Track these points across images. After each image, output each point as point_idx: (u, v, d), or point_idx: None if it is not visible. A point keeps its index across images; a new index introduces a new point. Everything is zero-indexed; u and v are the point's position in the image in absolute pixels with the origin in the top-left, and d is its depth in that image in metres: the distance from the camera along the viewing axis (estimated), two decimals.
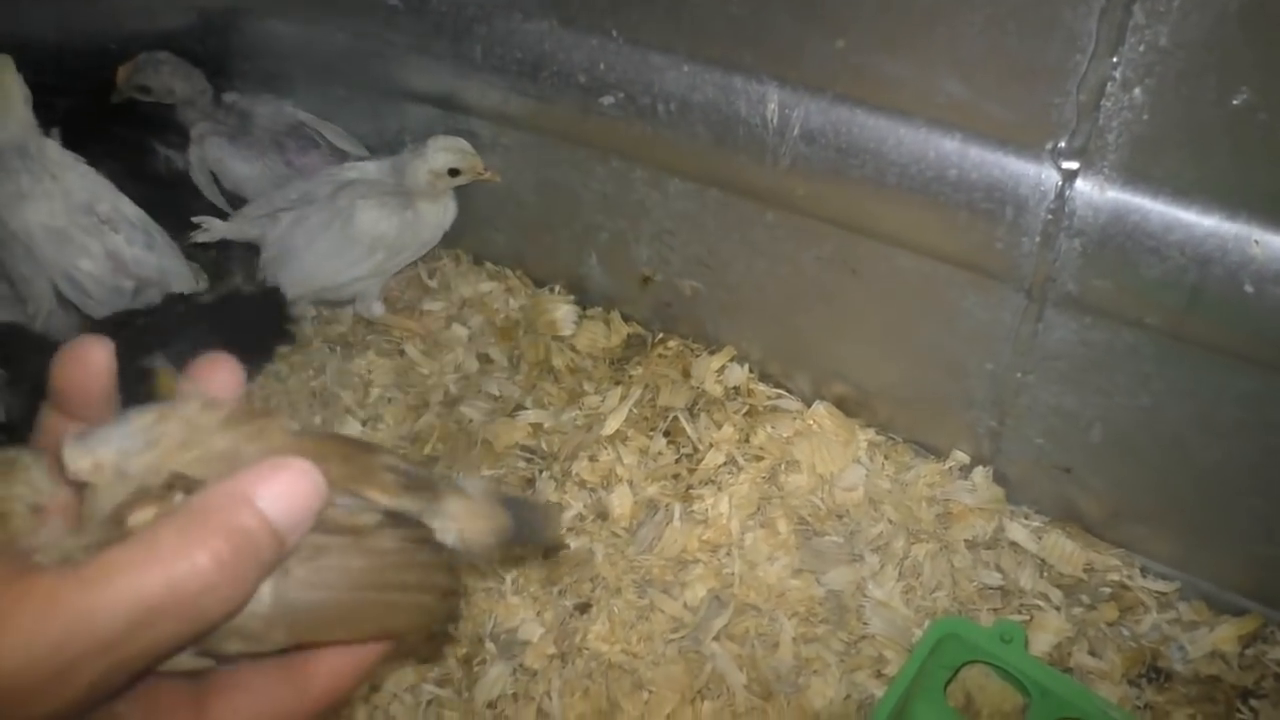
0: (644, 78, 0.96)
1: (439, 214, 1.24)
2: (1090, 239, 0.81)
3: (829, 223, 0.97)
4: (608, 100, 1.00)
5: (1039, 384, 0.96)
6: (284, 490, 0.42)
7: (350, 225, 1.20)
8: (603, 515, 1.08)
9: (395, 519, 0.47)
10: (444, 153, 1.17)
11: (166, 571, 0.40)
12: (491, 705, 0.96)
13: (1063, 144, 0.79)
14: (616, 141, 1.05)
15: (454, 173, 1.18)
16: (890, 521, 1.05)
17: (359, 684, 0.58)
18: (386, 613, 0.47)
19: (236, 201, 1.32)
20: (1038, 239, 0.83)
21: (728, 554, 1.04)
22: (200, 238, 1.22)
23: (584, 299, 1.28)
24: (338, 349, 1.29)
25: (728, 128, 0.94)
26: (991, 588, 1.00)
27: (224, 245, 1.27)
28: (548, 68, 1.02)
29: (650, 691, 0.95)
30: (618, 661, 0.97)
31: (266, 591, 0.44)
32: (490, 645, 1.00)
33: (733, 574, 1.02)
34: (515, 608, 1.02)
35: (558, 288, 1.30)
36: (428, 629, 0.73)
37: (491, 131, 1.17)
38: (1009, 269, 0.87)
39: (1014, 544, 1.04)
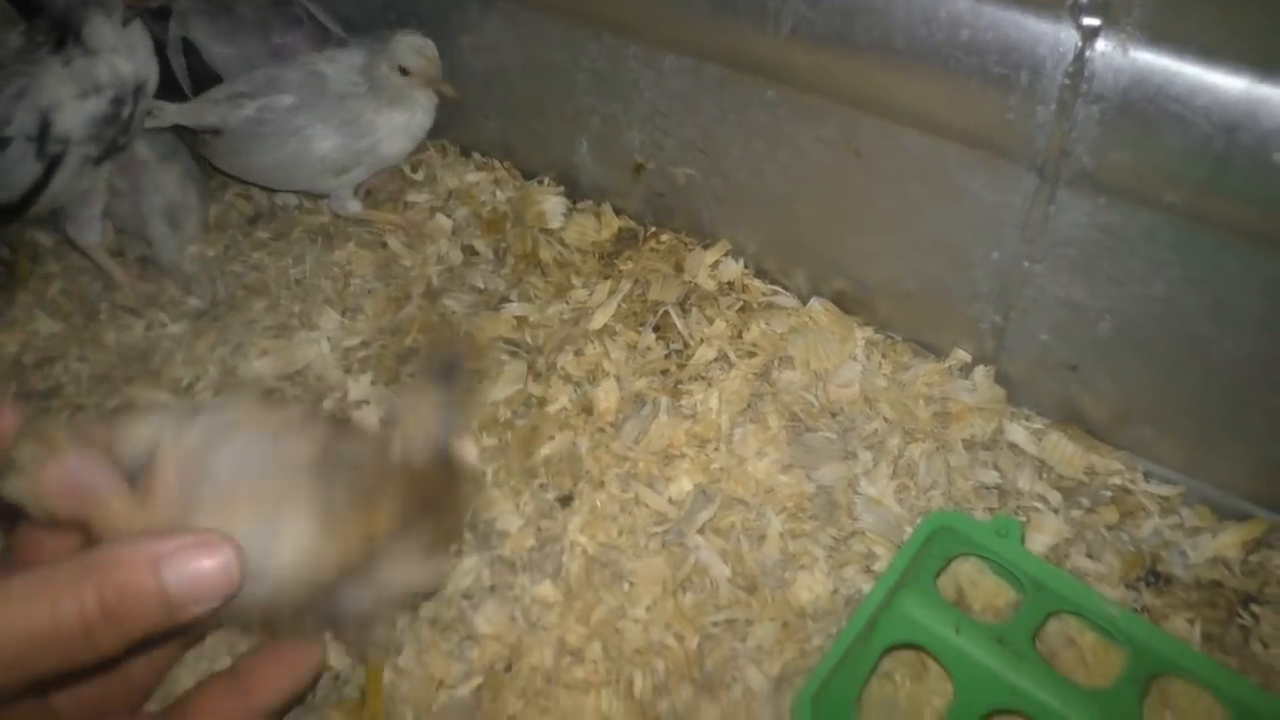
0: None
1: (404, 123, 1.18)
2: (1110, 105, 0.75)
3: (832, 98, 0.92)
4: None
5: (1047, 273, 0.91)
6: (193, 569, 0.45)
7: (305, 149, 1.14)
8: (587, 410, 1.04)
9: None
10: (402, 48, 1.12)
11: (54, 604, 0.42)
12: (467, 596, 0.93)
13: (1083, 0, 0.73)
14: (609, 13, 0.99)
15: (404, 72, 1.13)
16: (886, 419, 1.01)
17: (298, 692, 0.66)
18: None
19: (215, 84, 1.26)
20: (1053, 107, 0.78)
21: (715, 449, 1.00)
22: (151, 124, 1.14)
23: (574, 191, 1.23)
24: (318, 239, 1.24)
25: None
26: (988, 487, 0.96)
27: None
28: None
29: (630, 583, 0.91)
30: (596, 554, 0.94)
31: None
32: (467, 536, 0.96)
33: (720, 469, 0.98)
34: (495, 499, 0.98)
35: (547, 180, 1.25)
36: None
37: (480, 7, 1.11)
38: (1022, 143, 0.82)
39: (1013, 445, 1.00)
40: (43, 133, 1.04)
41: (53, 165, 1.06)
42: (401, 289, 1.17)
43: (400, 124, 1.18)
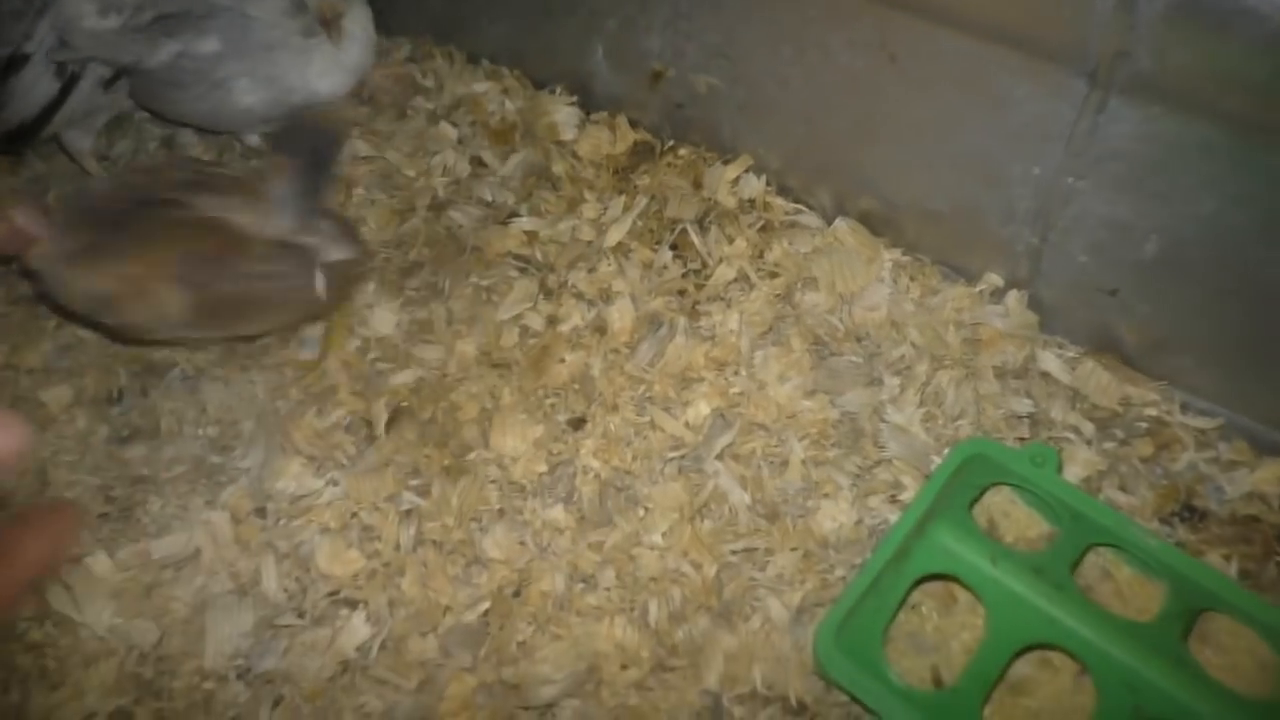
0: None
1: (332, 61, 1.08)
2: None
3: None
4: None
5: (1091, 190, 0.86)
6: None
7: (227, 101, 1.06)
8: (600, 329, 1.00)
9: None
10: None
11: None
12: (475, 519, 0.89)
13: None
14: None
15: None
16: (913, 345, 0.96)
17: (62, 558, 0.69)
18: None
19: None
20: (1113, 3, 0.72)
21: (735, 372, 0.96)
22: (59, 56, 1.01)
23: (588, 102, 1.17)
24: None
25: None
26: (1019, 416, 0.92)
27: None
28: None
29: (646, 509, 0.88)
30: (610, 479, 0.90)
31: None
32: (473, 457, 0.92)
33: (740, 393, 0.94)
34: (504, 421, 0.94)
35: (559, 89, 1.18)
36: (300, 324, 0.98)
37: None
38: (1074, 44, 0.76)
39: (1045, 374, 0.95)
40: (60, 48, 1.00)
41: (70, 82, 1.02)
42: (406, 200, 1.11)
43: (328, 63, 1.07)
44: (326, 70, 1.07)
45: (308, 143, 0.95)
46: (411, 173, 1.14)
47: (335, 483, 0.91)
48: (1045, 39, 0.79)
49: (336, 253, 0.92)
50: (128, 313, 0.89)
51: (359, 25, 1.08)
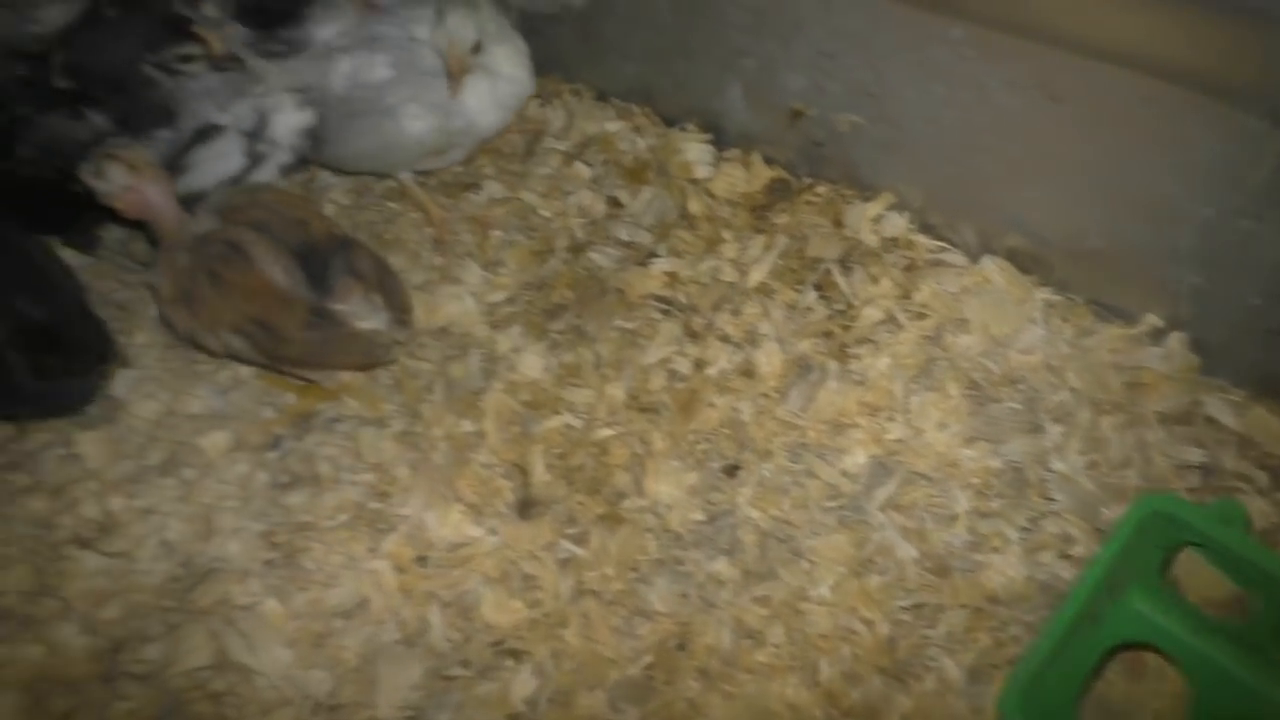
0: None
1: (490, 98, 1.07)
2: None
3: (1030, 37, 0.84)
4: None
5: (1269, 231, 0.83)
6: None
7: (398, 131, 1.06)
8: (748, 373, 0.99)
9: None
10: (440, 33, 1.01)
11: None
12: (634, 569, 0.89)
13: None
14: None
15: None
16: (1073, 389, 0.94)
17: None
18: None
19: None
20: None
21: (890, 418, 0.94)
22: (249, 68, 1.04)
23: (720, 139, 1.16)
24: (451, 189, 1.19)
25: None
26: (1190, 466, 0.89)
27: None
28: None
29: (810, 561, 0.87)
30: (770, 529, 0.90)
31: None
32: (628, 505, 0.92)
33: (897, 440, 0.93)
34: (657, 468, 0.93)
35: (690, 126, 1.17)
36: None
37: None
38: (1257, 85, 0.74)
39: (1211, 419, 0.92)
40: (256, 132, 1.03)
41: (253, 164, 1.05)
42: (544, 242, 1.12)
43: (481, 97, 1.06)
44: (483, 106, 1.07)
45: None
46: (548, 213, 1.14)
47: (494, 531, 0.92)
48: (1227, 80, 0.77)
49: (370, 322, 0.93)
50: (212, 349, 0.95)
51: (512, 64, 1.08)
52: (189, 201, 0.95)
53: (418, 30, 1.06)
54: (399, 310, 0.95)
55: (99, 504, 0.96)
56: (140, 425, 1.01)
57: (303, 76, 1.04)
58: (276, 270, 0.90)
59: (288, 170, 1.08)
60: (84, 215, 1.06)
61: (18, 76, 0.99)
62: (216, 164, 1.03)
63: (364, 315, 0.92)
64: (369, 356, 0.97)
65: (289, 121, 1.03)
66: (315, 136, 1.06)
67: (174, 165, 1.00)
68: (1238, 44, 0.74)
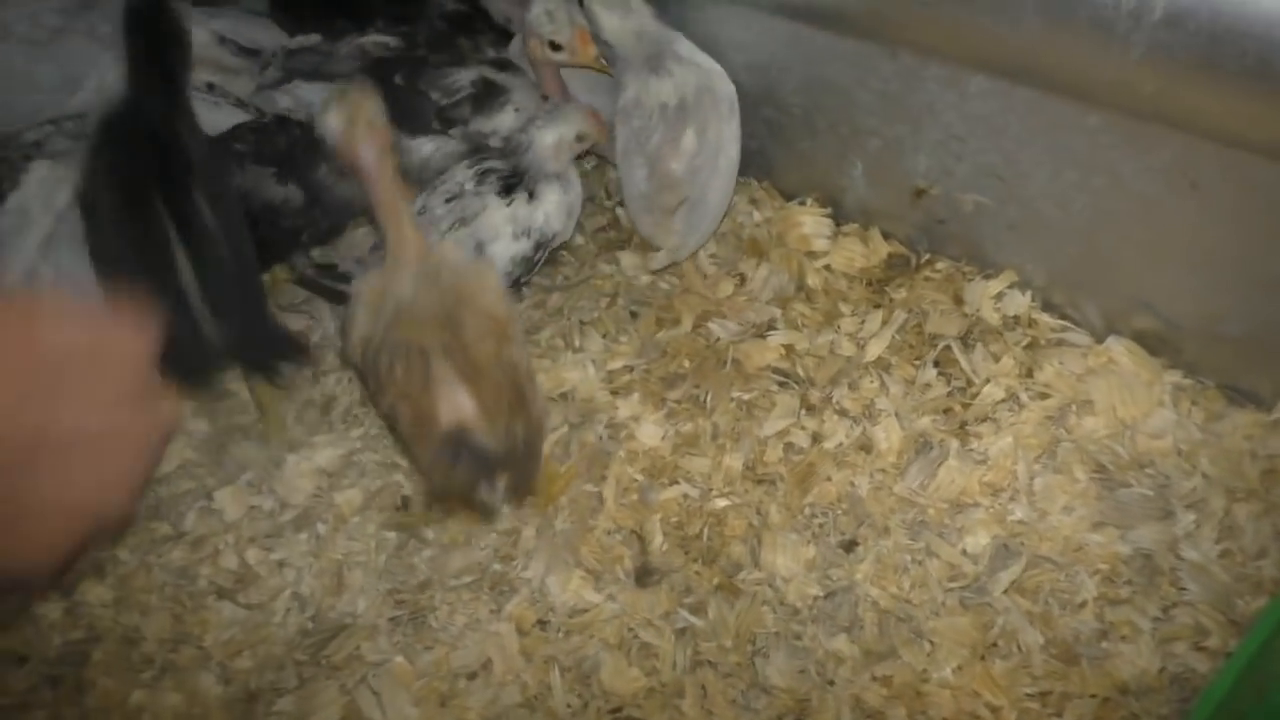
0: None
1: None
2: None
3: (1172, 126, 0.84)
4: None
5: None
6: None
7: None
8: (866, 448, 0.99)
9: None
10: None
11: None
12: (751, 640, 0.90)
13: None
14: (916, 33, 0.93)
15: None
16: (1205, 475, 0.92)
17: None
18: None
19: None
20: None
21: (1013, 499, 0.94)
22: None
23: (839, 213, 1.17)
24: (574, 260, 1.22)
25: (1066, 11, 0.81)
26: None
27: None
28: None
29: (932, 642, 0.86)
30: (890, 608, 0.89)
31: None
32: (744, 576, 0.93)
33: (1021, 522, 0.92)
34: (774, 540, 0.94)
35: (809, 200, 1.19)
36: None
37: (760, 26, 1.07)
38: None
39: None
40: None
41: None
42: (664, 311, 1.14)
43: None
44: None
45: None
46: (667, 286, 1.16)
47: (613, 598, 0.93)
48: None
49: (485, 495, 0.87)
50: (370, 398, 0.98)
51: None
52: None
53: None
54: (519, 490, 0.89)
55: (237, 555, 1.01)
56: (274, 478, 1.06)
57: (526, 222, 1.07)
58: (444, 407, 0.82)
59: None
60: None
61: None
62: None
63: (484, 493, 0.86)
64: (471, 504, 0.92)
65: (505, 251, 1.06)
66: (530, 265, 1.09)
67: None
68: None
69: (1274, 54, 0.73)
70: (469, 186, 1.07)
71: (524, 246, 1.07)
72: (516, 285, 1.12)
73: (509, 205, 1.06)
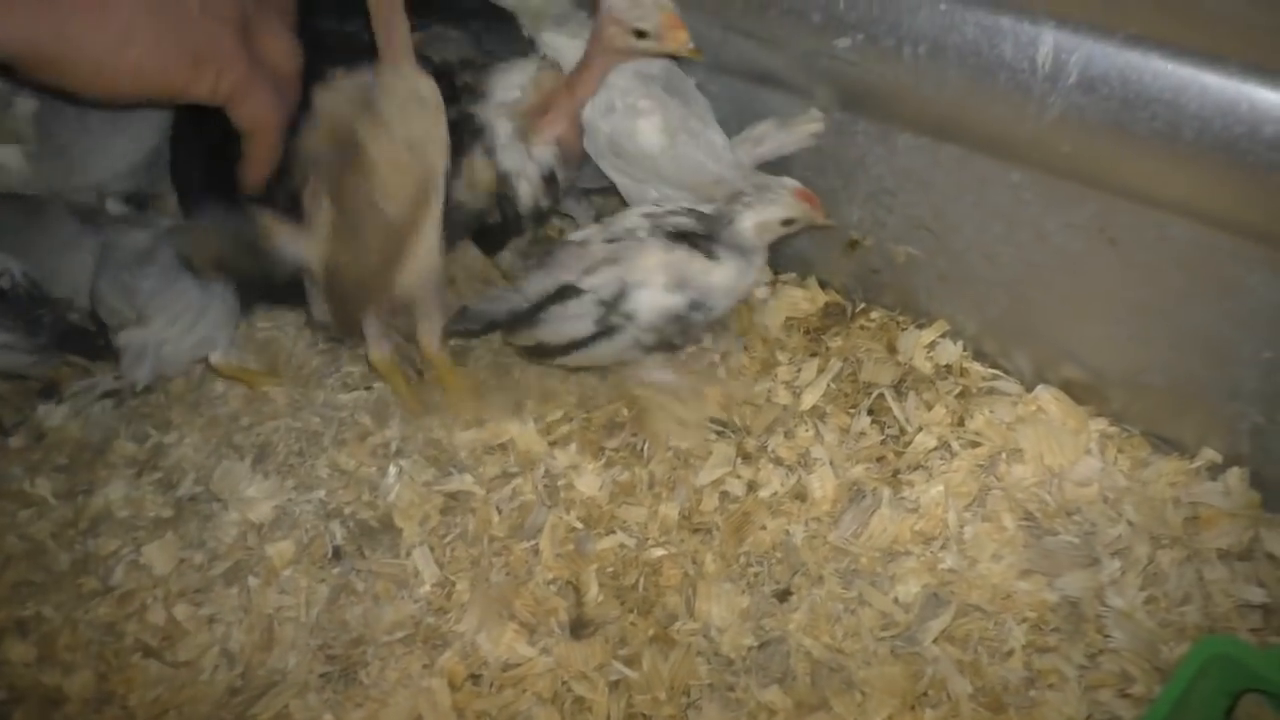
0: (891, 17, 0.86)
1: None
2: None
3: (1091, 184, 0.86)
4: (844, 43, 0.90)
5: None
6: None
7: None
8: (801, 496, 1.00)
9: None
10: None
11: None
12: (685, 692, 0.89)
13: None
14: (847, 90, 0.95)
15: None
16: (1130, 523, 0.94)
17: None
18: None
19: None
20: None
21: (943, 547, 0.95)
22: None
23: (775, 263, 1.19)
24: None
25: (986, 74, 0.83)
26: (1252, 605, 0.88)
27: None
28: (777, 5, 0.93)
29: (863, 693, 0.86)
30: (823, 658, 0.90)
31: None
32: (679, 627, 0.93)
33: (951, 570, 0.93)
34: (709, 590, 0.94)
35: None
36: None
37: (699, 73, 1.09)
38: None
39: (1272, 556, 0.91)
40: (614, 302, 0.96)
41: (600, 334, 0.98)
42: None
43: None
44: None
45: None
46: None
47: (547, 651, 0.93)
48: None
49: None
50: None
51: None
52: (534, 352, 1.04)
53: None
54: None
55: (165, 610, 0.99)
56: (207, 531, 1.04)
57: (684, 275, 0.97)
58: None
59: (647, 352, 1.02)
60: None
61: None
62: (566, 324, 0.99)
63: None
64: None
65: (654, 303, 0.96)
66: (683, 328, 0.99)
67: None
68: None
69: (1182, 118, 0.76)
70: (641, 234, 0.97)
71: (678, 301, 0.96)
72: (666, 348, 1.03)
73: (670, 251, 0.96)
